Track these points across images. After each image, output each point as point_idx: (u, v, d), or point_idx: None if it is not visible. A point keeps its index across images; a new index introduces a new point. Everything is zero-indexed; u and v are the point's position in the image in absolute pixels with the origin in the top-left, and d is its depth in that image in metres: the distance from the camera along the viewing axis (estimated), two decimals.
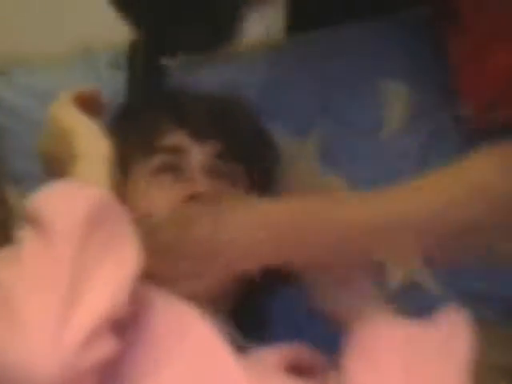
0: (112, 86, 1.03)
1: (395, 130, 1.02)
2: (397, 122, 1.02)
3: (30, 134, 0.97)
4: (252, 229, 0.82)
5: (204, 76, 1.05)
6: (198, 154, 0.89)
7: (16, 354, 0.66)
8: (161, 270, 0.81)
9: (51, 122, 0.87)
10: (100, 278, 0.69)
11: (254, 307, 0.92)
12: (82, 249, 0.69)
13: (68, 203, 0.72)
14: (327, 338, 0.84)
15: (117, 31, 0.97)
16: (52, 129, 0.87)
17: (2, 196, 0.95)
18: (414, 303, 0.88)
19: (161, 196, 0.87)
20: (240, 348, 0.78)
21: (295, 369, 0.83)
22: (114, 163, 0.82)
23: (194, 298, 0.80)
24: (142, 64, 1.00)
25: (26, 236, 0.70)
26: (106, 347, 0.68)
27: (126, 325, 0.72)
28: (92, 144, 0.83)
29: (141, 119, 0.94)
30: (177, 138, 0.90)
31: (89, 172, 0.81)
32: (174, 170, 0.89)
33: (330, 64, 1.05)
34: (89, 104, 0.89)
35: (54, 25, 1.20)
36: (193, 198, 0.85)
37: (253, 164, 0.92)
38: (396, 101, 1.03)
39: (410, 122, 1.02)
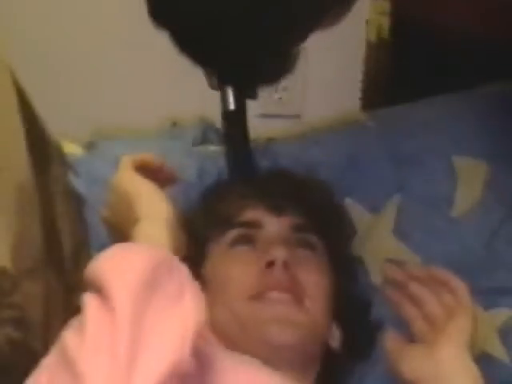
0: (200, 160, 1.09)
1: (469, 207, 1.02)
2: (471, 199, 1.02)
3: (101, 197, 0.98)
4: None
5: (284, 154, 1.08)
6: (274, 226, 0.91)
7: None
8: None
9: (114, 186, 0.89)
10: (158, 338, 0.69)
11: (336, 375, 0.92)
12: (139, 312, 0.69)
13: (125, 266, 0.72)
14: None
15: (204, 106, 1.03)
16: (115, 193, 0.88)
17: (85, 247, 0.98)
18: (486, 374, 0.86)
19: (237, 266, 0.88)
20: None
21: None
22: (177, 227, 0.83)
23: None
24: (241, 134, 1.00)
25: (88, 301, 0.70)
26: None
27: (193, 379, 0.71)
28: (153, 206, 0.84)
29: (227, 197, 0.96)
30: (255, 212, 0.92)
31: (150, 233, 0.81)
32: (251, 241, 0.90)
33: (406, 140, 1.06)
34: (151, 170, 0.90)
35: (143, 99, 1.24)
36: (271, 264, 0.85)
37: (328, 236, 0.94)
38: (471, 178, 1.03)
39: (485, 199, 1.02)
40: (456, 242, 0.99)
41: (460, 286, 0.90)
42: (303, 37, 0.86)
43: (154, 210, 0.83)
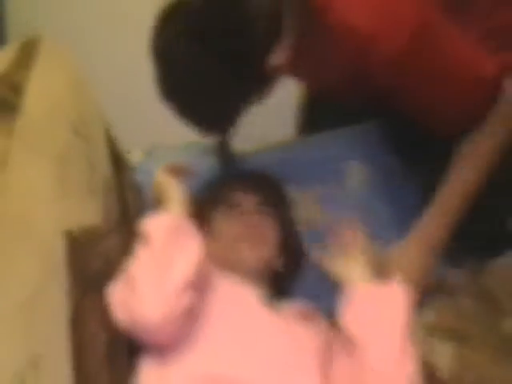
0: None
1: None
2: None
3: None
4: None
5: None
6: (247, 202, 1.41)
7: (136, 309, 1.10)
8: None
9: (156, 181, 1.37)
10: (181, 259, 1.16)
11: (283, 284, 1.41)
12: (167, 246, 1.17)
13: (158, 223, 1.22)
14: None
15: None
16: (156, 185, 1.37)
17: None
18: None
19: (226, 224, 1.38)
20: (270, 304, 1.27)
21: (303, 316, 1.29)
22: (188, 205, 1.30)
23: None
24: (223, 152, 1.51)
25: (140, 243, 1.20)
26: (190, 299, 1.14)
27: (200, 288, 1.18)
28: (174, 193, 1.31)
29: (220, 186, 1.47)
30: (236, 194, 1.42)
31: (172, 207, 1.29)
32: (234, 211, 1.39)
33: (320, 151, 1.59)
34: (177, 171, 1.38)
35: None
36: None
37: (278, 207, 1.45)
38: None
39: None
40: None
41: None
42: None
43: (175, 195, 1.31)
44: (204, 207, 1.41)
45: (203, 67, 1.16)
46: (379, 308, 1.24)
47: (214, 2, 1.16)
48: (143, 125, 1.77)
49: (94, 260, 1.14)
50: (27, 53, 1.27)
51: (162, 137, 1.60)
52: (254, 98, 1.23)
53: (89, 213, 1.21)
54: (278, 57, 1.19)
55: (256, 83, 1.21)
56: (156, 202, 1.35)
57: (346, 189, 1.56)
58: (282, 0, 1.21)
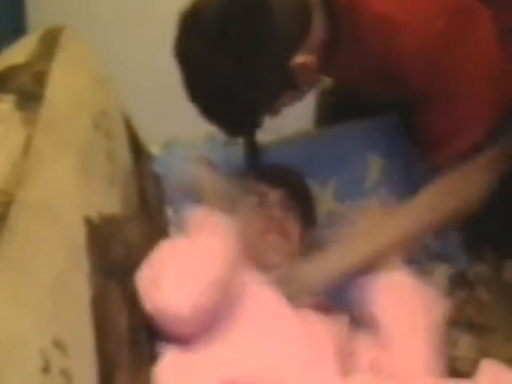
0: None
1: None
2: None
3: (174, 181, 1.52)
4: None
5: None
6: (274, 196, 1.41)
7: (162, 304, 1.12)
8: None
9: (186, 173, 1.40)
10: (213, 255, 1.16)
11: None
12: (201, 240, 1.20)
13: (196, 216, 1.26)
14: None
15: None
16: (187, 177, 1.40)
17: (163, 212, 1.49)
18: None
19: (252, 215, 1.38)
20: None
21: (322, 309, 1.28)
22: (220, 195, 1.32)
23: None
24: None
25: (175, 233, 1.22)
26: (217, 296, 1.14)
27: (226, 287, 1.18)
28: (211, 187, 1.35)
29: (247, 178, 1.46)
30: (263, 186, 1.42)
31: (210, 200, 1.32)
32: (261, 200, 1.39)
33: (341, 144, 1.57)
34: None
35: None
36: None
37: (301, 201, 1.44)
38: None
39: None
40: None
41: None
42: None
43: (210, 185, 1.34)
44: (230, 198, 1.41)
45: (227, 69, 1.16)
46: (411, 298, 1.24)
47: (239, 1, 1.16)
48: (161, 118, 1.78)
49: (114, 247, 1.15)
50: (49, 43, 1.29)
51: (180, 130, 1.62)
52: (280, 99, 1.24)
53: (109, 202, 1.22)
54: (304, 57, 1.20)
55: (282, 84, 1.21)
56: (182, 192, 1.39)
57: (365, 182, 1.56)
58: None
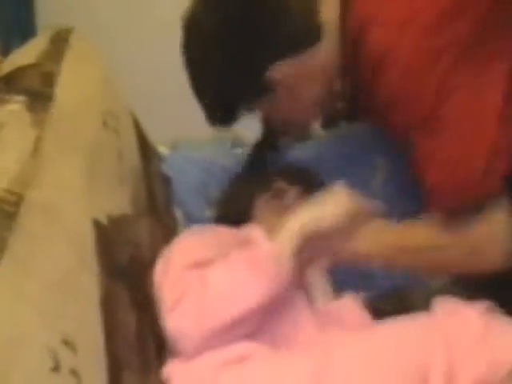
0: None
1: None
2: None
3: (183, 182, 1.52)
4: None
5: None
6: (292, 192, 1.38)
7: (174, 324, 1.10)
8: None
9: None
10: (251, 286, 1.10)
11: None
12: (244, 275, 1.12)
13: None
14: None
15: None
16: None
17: (171, 211, 1.49)
18: None
19: (269, 211, 1.33)
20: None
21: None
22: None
23: None
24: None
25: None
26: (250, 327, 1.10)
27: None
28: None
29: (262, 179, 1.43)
30: (281, 183, 1.40)
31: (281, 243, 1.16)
32: (280, 198, 1.36)
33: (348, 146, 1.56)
34: None
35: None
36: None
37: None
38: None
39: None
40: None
41: None
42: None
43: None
44: (248, 193, 1.39)
45: (216, 63, 1.18)
46: None
47: None
48: (169, 118, 1.79)
49: (123, 248, 1.15)
50: (58, 44, 1.30)
51: (188, 131, 1.60)
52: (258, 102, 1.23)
53: (117, 202, 1.23)
54: (286, 68, 1.17)
55: (254, 86, 1.19)
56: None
57: (371, 185, 1.55)
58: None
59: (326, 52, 1.18)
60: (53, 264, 0.89)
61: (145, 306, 1.14)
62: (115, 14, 1.84)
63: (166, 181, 1.52)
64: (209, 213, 1.51)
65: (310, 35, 1.16)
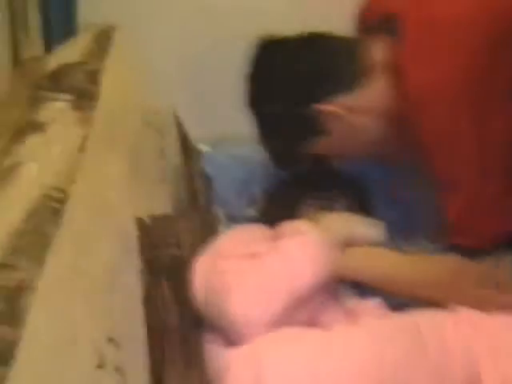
0: None
1: None
2: None
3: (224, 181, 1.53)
4: None
5: None
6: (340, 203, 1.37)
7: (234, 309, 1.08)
8: None
9: None
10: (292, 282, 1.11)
11: None
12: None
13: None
14: None
15: None
16: None
17: (211, 210, 1.50)
18: None
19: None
20: None
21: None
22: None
23: None
24: None
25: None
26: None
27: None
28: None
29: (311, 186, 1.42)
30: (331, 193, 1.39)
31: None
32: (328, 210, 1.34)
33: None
34: None
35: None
36: None
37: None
38: None
39: None
40: None
41: None
42: None
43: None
44: (295, 200, 1.39)
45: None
46: None
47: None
48: (210, 116, 1.75)
49: (165, 247, 1.16)
50: (102, 42, 1.31)
51: (229, 128, 1.62)
52: (309, 145, 1.25)
53: (159, 201, 1.24)
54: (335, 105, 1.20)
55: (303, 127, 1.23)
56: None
57: None
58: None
59: (375, 90, 1.22)
60: (99, 261, 0.89)
61: (187, 303, 1.15)
62: (157, 11, 1.81)
63: (207, 179, 1.53)
64: (250, 211, 1.51)
65: (359, 74, 1.22)
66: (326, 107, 1.21)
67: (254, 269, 1.13)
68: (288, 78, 1.24)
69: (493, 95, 1.13)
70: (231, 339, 1.11)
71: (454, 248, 1.17)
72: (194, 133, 1.60)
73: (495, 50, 1.13)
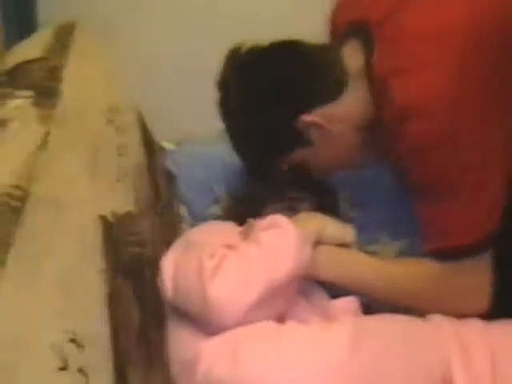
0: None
1: None
2: None
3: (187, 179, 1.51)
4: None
5: None
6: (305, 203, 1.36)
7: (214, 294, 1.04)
8: None
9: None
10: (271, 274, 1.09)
11: None
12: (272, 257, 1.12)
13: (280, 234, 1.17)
14: None
15: None
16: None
17: (173, 208, 1.49)
18: None
19: None
20: None
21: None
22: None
23: None
24: None
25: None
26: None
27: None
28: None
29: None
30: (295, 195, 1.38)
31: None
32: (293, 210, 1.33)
33: None
34: None
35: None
36: None
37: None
38: None
39: None
40: None
41: None
42: None
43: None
44: (261, 200, 1.38)
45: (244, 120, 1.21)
46: None
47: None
48: (175, 115, 1.74)
49: (128, 245, 1.15)
50: (63, 38, 1.29)
51: (194, 128, 1.60)
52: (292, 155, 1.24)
53: (121, 199, 1.23)
54: (315, 116, 1.19)
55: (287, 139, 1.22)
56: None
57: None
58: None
59: (353, 101, 1.20)
60: (58, 260, 0.88)
61: (150, 301, 1.14)
62: (119, 8, 1.80)
63: (170, 177, 1.52)
64: (213, 210, 1.51)
65: (336, 86, 1.20)
66: (305, 118, 1.19)
67: (234, 257, 1.12)
68: (263, 89, 1.20)
69: (489, 103, 1.11)
70: (204, 329, 1.10)
71: (428, 250, 1.16)
72: (158, 131, 1.60)
73: (481, 59, 1.10)
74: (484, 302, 1.15)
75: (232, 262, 1.11)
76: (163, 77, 1.79)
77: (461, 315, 1.16)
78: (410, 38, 1.14)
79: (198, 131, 1.58)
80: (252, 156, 1.28)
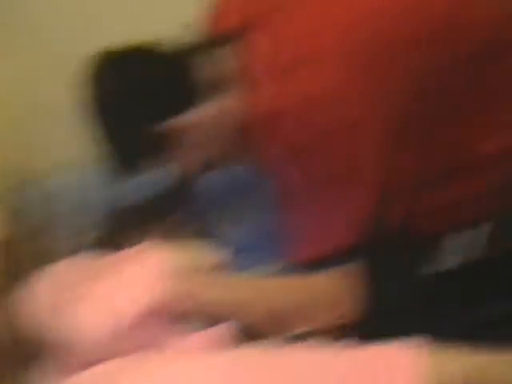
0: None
1: None
2: None
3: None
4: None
5: None
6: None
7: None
8: None
9: None
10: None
11: None
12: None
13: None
14: None
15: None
16: None
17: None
18: None
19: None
20: None
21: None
22: None
23: None
24: None
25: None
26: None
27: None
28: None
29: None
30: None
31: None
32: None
33: None
34: None
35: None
36: None
37: None
38: None
39: None
40: None
41: None
42: None
43: None
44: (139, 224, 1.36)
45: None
46: None
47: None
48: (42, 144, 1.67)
49: None
50: None
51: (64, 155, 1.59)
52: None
53: None
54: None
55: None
56: None
57: None
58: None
59: (223, 103, 1.20)
60: None
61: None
62: None
63: (45, 204, 1.48)
64: (91, 236, 1.46)
65: (205, 88, 1.19)
66: (171, 124, 1.19)
67: (91, 289, 1.08)
68: (130, 97, 1.19)
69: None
70: (71, 366, 1.04)
71: (298, 263, 1.17)
72: (27, 160, 1.54)
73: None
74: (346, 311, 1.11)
75: (91, 297, 1.07)
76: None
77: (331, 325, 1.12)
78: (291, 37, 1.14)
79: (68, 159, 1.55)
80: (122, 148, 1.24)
